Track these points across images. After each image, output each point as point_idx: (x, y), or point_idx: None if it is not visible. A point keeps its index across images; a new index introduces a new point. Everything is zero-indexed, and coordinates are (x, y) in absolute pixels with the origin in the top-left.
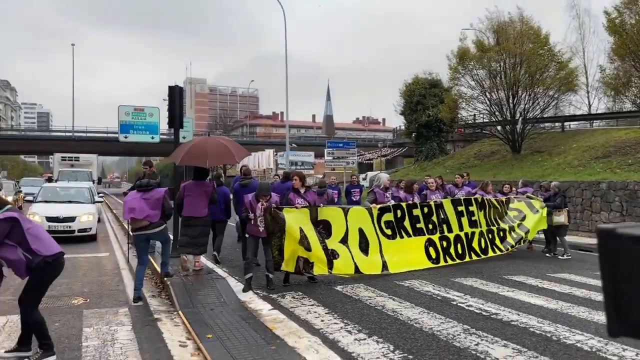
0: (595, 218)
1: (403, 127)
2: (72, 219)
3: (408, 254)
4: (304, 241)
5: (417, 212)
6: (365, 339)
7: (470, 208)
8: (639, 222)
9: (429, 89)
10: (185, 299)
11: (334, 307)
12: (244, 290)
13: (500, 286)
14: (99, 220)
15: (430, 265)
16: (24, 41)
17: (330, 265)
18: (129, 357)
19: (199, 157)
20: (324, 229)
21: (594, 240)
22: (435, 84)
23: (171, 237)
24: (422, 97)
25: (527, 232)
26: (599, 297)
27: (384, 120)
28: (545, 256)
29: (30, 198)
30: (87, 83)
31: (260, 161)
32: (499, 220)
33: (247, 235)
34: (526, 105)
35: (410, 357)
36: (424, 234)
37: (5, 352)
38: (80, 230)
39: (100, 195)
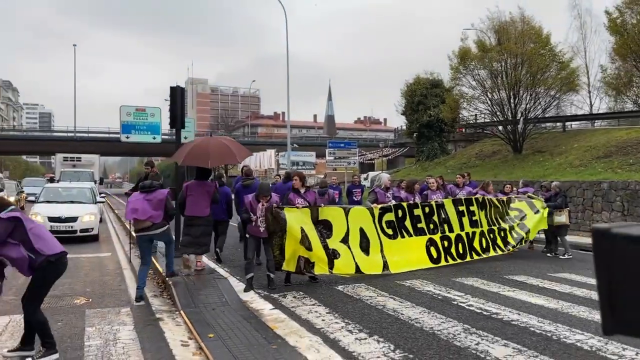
0: (596, 218)
1: (404, 127)
2: (74, 219)
3: (409, 253)
4: (305, 241)
5: (418, 211)
6: (365, 339)
7: (471, 208)
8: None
9: (430, 89)
10: (187, 298)
11: (335, 307)
12: (245, 290)
13: (501, 286)
14: (100, 221)
15: (431, 265)
16: (24, 41)
17: (331, 265)
18: (131, 356)
19: (201, 157)
20: (325, 228)
21: None
22: (436, 84)
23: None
24: (423, 97)
25: (527, 232)
26: None
27: (385, 120)
28: (546, 256)
29: (32, 198)
30: (87, 83)
31: (262, 161)
32: (500, 220)
33: (247, 236)
34: (527, 105)
35: (411, 356)
36: (425, 234)
37: (8, 351)
38: (82, 231)
39: (102, 195)
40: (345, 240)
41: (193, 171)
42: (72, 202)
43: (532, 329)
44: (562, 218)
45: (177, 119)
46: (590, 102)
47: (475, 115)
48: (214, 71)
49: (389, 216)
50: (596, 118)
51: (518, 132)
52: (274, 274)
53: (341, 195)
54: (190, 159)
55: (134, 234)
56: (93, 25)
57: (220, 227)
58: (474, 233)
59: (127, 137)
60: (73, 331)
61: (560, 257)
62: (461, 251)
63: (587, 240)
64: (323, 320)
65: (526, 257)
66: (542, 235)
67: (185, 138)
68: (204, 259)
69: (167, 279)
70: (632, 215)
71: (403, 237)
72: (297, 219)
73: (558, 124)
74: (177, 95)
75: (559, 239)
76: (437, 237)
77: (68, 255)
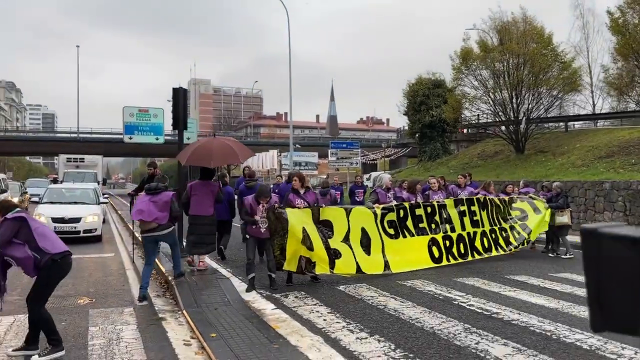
0: (598, 218)
1: (407, 128)
2: (77, 220)
3: (410, 253)
4: (306, 241)
5: (420, 211)
6: (366, 338)
7: (473, 208)
8: None
9: (432, 89)
10: (189, 298)
11: (336, 307)
12: (247, 290)
13: (502, 286)
14: (104, 221)
15: (432, 264)
16: (24, 41)
17: (332, 265)
18: (134, 355)
19: (204, 157)
20: (326, 228)
21: None
22: (438, 84)
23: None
24: (425, 97)
25: (529, 233)
26: None
27: (387, 120)
28: (547, 256)
29: (35, 199)
30: (87, 83)
31: (264, 162)
32: (501, 220)
33: (247, 237)
34: (530, 105)
35: (411, 355)
36: (427, 234)
37: (13, 350)
38: (85, 231)
39: (105, 196)
40: (346, 239)
41: (196, 171)
42: (75, 203)
43: (532, 328)
44: (564, 218)
45: (180, 120)
46: (593, 102)
47: (478, 115)
48: (214, 71)
49: (391, 216)
50: (599, 118)
51: (520, 132)
52: (275, 274)
53: (342, 196)
54: (193, 159)
55: (139, 235)
56: (93, 25)
57: (224, 227)
58: (475, 233)
59: (130, 138)
60: (77, 331)
61: (562, 257)
62: (463, 251)
63: None
64: (324, 320)
65: (527, 257)
66: (543, 235)
67: (188, 139)
68: (207, 259)
69: (170, 279)
70: (634, 215)
71: (405, 237)
72: (299, 219)
73: (560, 124)
74: (179, 97)
75: (560, 239)
76: (439, 237)
77: (71, 256)
